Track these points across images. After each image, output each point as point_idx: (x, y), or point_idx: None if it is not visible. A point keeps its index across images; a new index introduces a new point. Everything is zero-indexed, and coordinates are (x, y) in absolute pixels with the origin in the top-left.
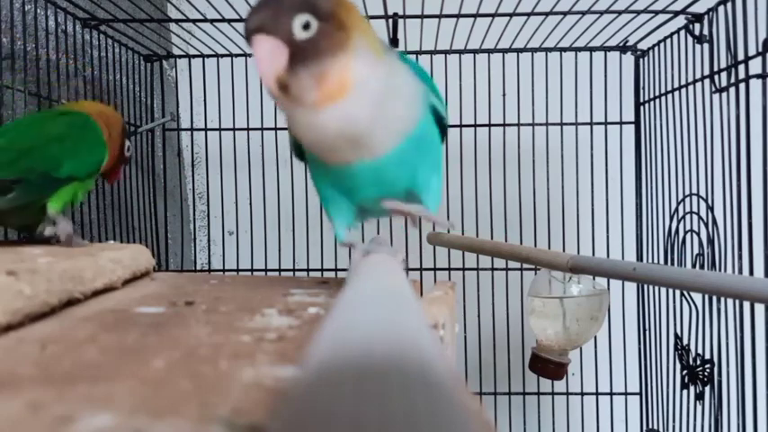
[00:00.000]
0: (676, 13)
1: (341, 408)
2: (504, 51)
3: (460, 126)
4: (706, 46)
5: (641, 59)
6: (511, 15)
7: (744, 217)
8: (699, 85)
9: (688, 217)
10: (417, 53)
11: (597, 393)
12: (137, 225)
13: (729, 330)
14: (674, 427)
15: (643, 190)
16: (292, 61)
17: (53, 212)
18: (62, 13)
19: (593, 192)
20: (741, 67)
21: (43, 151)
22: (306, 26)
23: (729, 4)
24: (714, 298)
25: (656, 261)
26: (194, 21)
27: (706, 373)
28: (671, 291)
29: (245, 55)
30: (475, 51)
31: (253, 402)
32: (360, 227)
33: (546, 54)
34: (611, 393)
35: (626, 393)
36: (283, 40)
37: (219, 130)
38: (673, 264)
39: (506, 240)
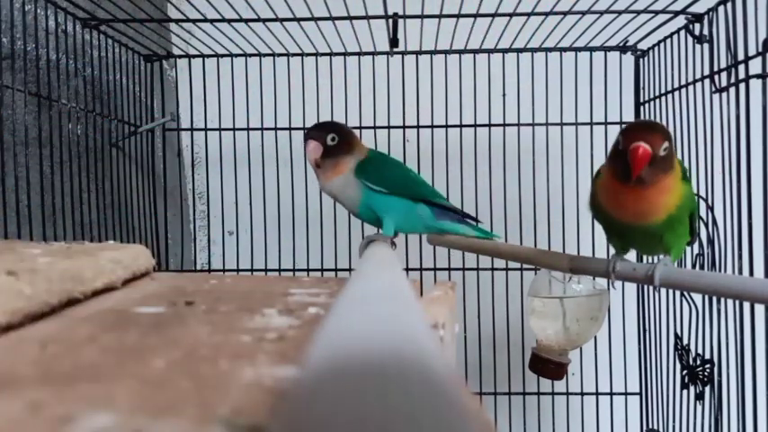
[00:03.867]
0: (676, 13)
1: (341, 408)
2: (504, 51)
3: (460, 126)
4: (706, 46)
5: (641, 59)
6: (511, 15)
7: (744, 217)
8: (699, 85)
9: None
10: (417, 53)
11: (597, 393)
12: (137, 225)
13: (729, 330)
14: (674, 427)
15: None
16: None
17: None
18: (62, 13)
19: None
20: (741, 67)
21: None
22: (333, 139)
23: (729, 4)
24: (714, 298)
25: (656, 261)
26: (194, 21)
27: (706, 373)
28: (671, 291)
29: (245, 55)
30: (475, 51)
31: (253, 402)
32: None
33: (546, 54)
34: (611, 393)
35: (626, 393)
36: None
37: (219, 130)
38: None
39: (506, 240)
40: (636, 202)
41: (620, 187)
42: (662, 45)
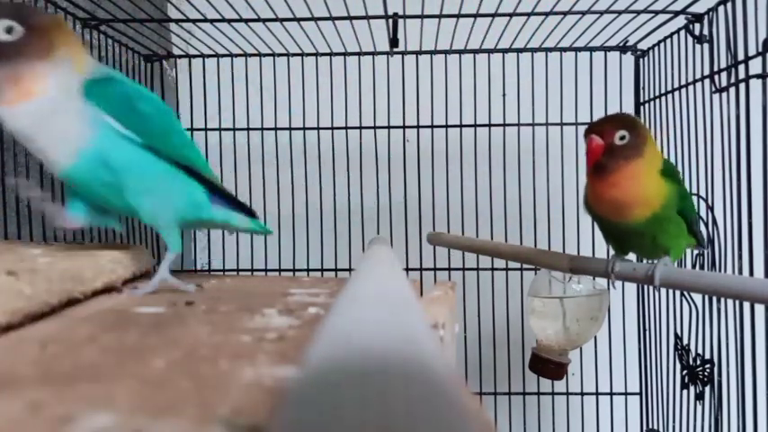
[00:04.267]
0: (676, 13)
1: (340, 408)
2: (504, 51)
3: (460, 126)
4: (706, 46)
5: (641, 59)
6: (511, 15)
7: (744, 217)
8: (699, 85)
9: None
10: (417, 53)
11: (597, 393)
12: (137, 225)
13: (729, 330)
14: (674, 427)
15: None
16: None
17: None
18: (62, 13)
19: None
20: (741, 67)
21: None
22: (8, 30)
23: (729, 4)
24: (714, 298)
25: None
26: (194, 21)
27: (706, 373)
28: (671, 291)
29: (245, 55)
30: (475, 51)
31: (253, 402)
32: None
33: (546, 54)
34: (611, 393)
35: (626, 393)
36: None
37: (219, 130)
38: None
39: (506, 240)
40: (606, 191)
41: (593, 180)
42: (662, 45)
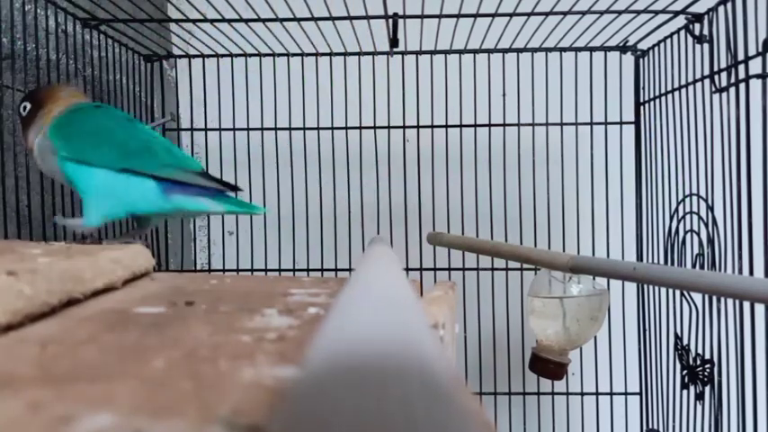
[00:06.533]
0: (676, 13)
1: (340, 408)
2: (504, 51)
3: (460, 126)
4: (706, 46)
5: (641, 59)
6: (511, 15)
7: (744, 217)
8: (699, 85)
9: (688, 217)
10: (417, 53)
11: (597, 393)
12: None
13: (729, 330)
14: (674, 427)
15: (643, 190)
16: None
17: None
18: (62, 13)
19: (593, 192)
20: (741, 67)
21: None
22: (24, 108)
23: (729, 4)
24: (714, 298)
25: (656, 261)
26: (194, 21)
27: (706, 373)
28: (671, 291)
29: (245, 55)
30: (475, 51)
31: (253, 402)
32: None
33: (546, 54)
34: (611, 393)
35: (626, 393)
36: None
37: (219, 130)
38: (673, 264)
39: (506, 240)
40: None
41: None
42: (662, 45)
